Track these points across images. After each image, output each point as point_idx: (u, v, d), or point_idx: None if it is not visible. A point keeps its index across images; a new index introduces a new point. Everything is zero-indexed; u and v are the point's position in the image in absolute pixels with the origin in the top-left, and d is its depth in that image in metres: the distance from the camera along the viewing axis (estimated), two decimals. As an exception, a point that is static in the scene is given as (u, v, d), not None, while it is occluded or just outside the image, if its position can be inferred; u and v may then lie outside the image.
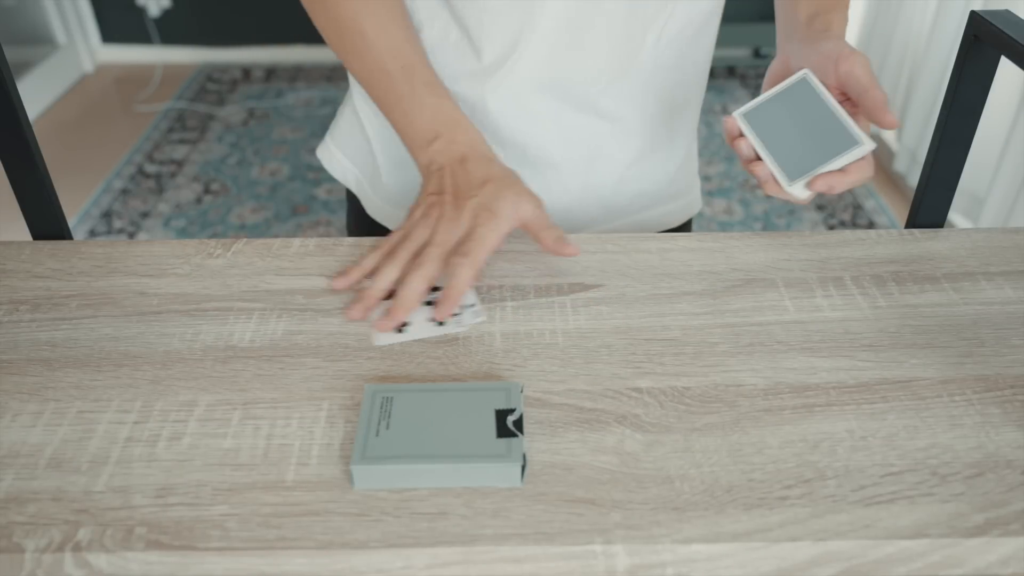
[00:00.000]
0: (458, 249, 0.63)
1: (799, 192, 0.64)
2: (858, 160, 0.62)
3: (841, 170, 0.62)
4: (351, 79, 0.84)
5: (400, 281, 0.63)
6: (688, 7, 0.74)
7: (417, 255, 0.64)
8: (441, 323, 0.62)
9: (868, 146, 0.61)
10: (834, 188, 0.62)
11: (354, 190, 0.89)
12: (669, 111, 0.81)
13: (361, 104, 0.84)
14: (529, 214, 0.66)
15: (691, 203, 0.91)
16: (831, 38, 0.67)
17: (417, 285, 0.62)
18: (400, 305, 0.61)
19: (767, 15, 3.22)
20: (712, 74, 3.32)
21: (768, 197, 2.54)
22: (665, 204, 0.87)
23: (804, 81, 0.65)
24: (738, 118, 0.67)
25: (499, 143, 0.78)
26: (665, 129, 0.82)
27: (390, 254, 0.65)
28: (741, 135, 0.67)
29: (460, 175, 0.67)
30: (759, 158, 0.66)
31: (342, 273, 0.66)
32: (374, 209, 0.87)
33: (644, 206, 0.86)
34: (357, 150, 0.86)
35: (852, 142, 0.61)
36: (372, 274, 0.65)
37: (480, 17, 0.72)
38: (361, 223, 0.90)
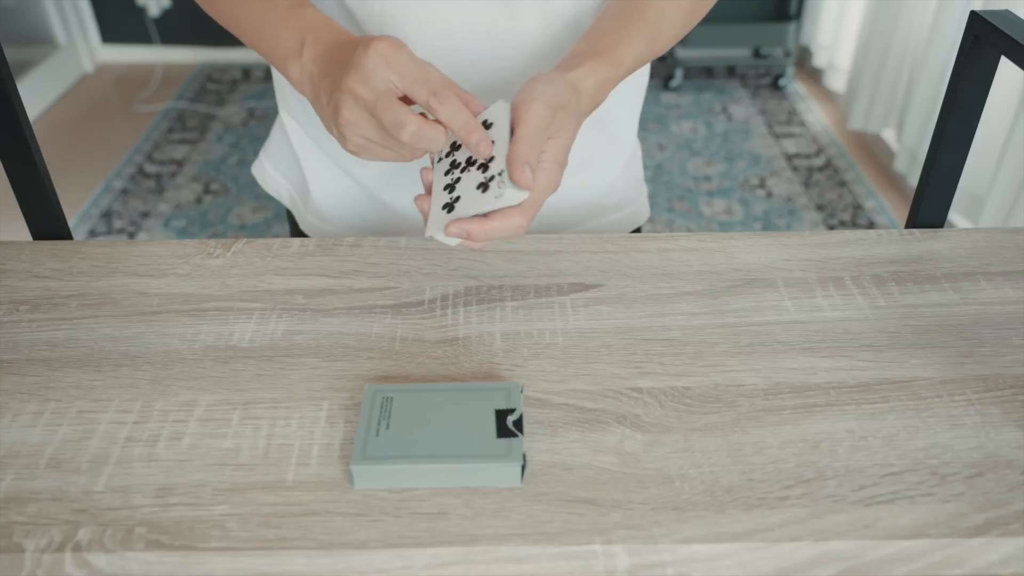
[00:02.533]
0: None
1: (440, 237, 0.57)
2: (506, 208, 0.55)
3: (483, 216, 0.55)
4: (278, 94, 0.83)
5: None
6: (599, 4, 0.72)
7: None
8: (486, 189, 0.56)
9: (505, 198, 0.54)
10: (472, 235, 0.55)
11: (287, 205, 0.89)
12: (604, 120, 0.76)
13: (287, 119, 0.83)
14: (436, 72, 0.58)
15: (637, 212, 0.89)
16: (551, 80, 0.59)
17: (430, 143, 0.56)
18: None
19: (767, 15, 3.22)
20: (712, 74, 3.33)
21: (768, 197, 2.54)
22: (607, 215, 0.85)
23: (495, 110, 0.59)
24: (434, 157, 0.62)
25: (427, 161, 0.77)
26: (601, 138, 0.80)
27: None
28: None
29: (336, 60, 0.59)
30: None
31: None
32: (307, 225, 0.86)
33: (583, 218, 0.84)
34: (288, 165, 0.86)
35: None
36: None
37: (381, 25, 0.69)
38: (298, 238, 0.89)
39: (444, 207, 0.57)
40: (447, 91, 0.56)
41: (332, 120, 0.58)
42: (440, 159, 0.61)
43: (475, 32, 0.70)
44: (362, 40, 0.57)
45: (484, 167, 0.57)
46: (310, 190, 0.83)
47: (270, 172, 0.88)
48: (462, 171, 0.58)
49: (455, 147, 0.60)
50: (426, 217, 0.58)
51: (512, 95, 0.73)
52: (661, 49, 0.69)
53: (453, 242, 0.57)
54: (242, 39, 0.67)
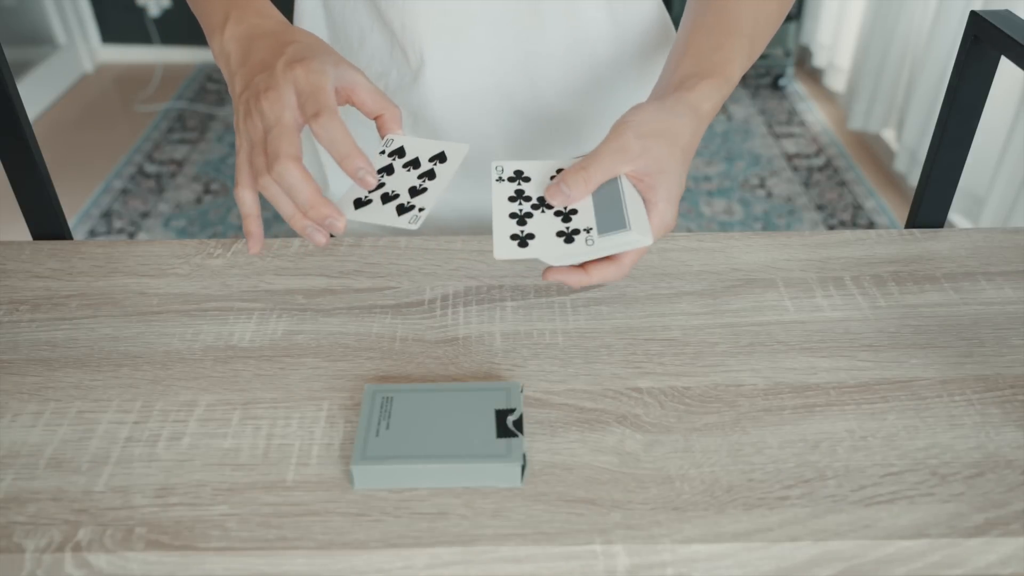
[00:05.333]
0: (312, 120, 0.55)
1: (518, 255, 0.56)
2: (610, 257, 0.55)
3: (581, 268, 0.56)
4: None
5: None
6: (626, 4, 0.72)
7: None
8: (570, 239, 0.54)
9: (634, 234, 0.53)
10: (568, 282, 0.56)
11: None
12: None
13: None
14: (361, 81, 0.58)
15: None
16: (658, 109, 0.57)
17: (284, 205, 0.55)
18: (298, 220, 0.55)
19: (767, 15, 3.22)
20: (712, 74, 3.33)
21: (768, 197, 2.54)
22: None
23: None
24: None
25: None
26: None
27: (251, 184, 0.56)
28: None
29: (255, 52, 0.57)
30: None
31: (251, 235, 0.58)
32: None
33: None
34: (307, 158, 0.85)
35: (620, 225, 0.53)
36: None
37: (402, 20, 0.70)
38: None
39: (514, 238, 0.55)
40: (332, 115, 0.54)
41: (237, 112, 0.57)
42: (500, 178, 0.59)
43: (498, 28, 0.70)
44: (285, 48, 0.56)
45: (565, 217, 0.56)
46: (329, 185, 0.84)
47: None
48: (532, 207, 0.57)
49: (520, 176, 0.59)
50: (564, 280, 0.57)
51: (536, 92, 0.73)
52: (759, 52, 0.66)
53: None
54: (192, 8, 0.65)
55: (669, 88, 0.59)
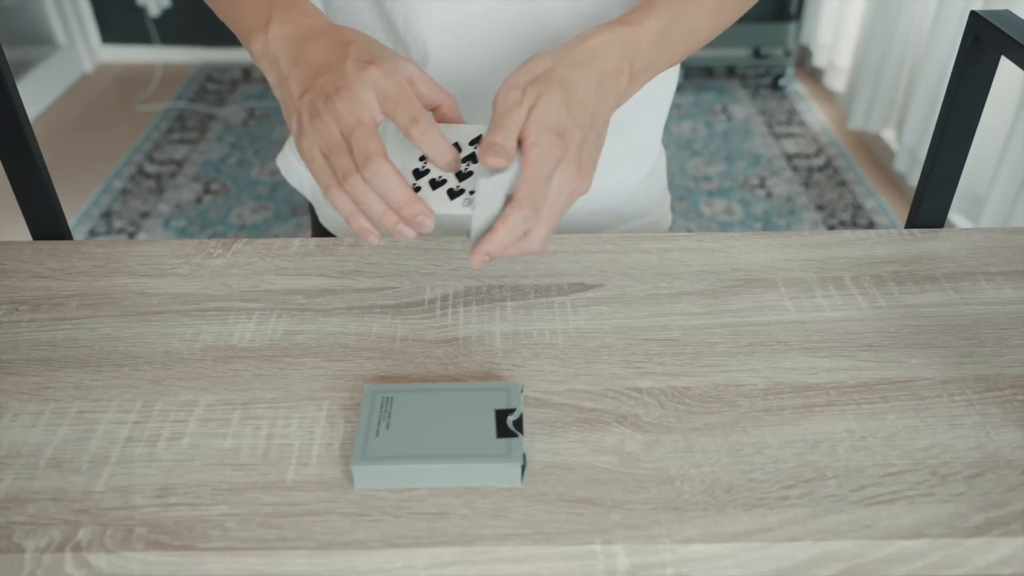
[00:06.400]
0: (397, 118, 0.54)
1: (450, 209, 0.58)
2: (507, 216, 0.55)
3: (490, 231, 0.55)
4: None
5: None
6: (633, 4, 0.71)
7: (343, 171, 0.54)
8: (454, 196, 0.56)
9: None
10: (492, 255, 0.56)
11: (309, 198, 0.88)
12: (627, 126, 0.77)
13: None
14: (415, 71, 0.57)
15: (658, 220, 0.87)
16: (553, 53, 0.57)
17: (374, 204, 0.54)
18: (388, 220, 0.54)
19: (767, 15, 3.22)
20: (712, 74, 3.33)
21: (768, 197, 2.54)
22: (626, 223, 0.84)
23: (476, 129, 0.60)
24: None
25: None
26: (624, 146, 0.79)
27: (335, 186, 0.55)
28: None
29: (312, 54, 0.56)
30: None
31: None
32: (326, 219, 0.86)
33: (601, 225, 0.82)
34: (302, 164, 0.84)
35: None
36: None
37: (406, 19, 0.70)
38: (319, 233, 0.89)
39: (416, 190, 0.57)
40: (429, 121, 0.54)
41: (300, 115, 0.56)
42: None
43: (501, 28, 0.70)
44: (346, 46, 0.55)
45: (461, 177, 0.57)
46: None
47: (293, 164, 0.87)
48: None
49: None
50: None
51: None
52: (723, 28, 0.66)
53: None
54: (214, 9, 0.64)
55: (622, 19, 0.59)
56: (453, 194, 0.57)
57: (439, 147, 0.55)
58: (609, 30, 0.58)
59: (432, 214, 0.54)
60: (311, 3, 0.60)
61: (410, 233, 0.55)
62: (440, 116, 0.59)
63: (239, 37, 0.61)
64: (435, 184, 0.57)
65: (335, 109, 0.53)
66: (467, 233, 0.81)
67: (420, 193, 0.57)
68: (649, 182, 0.85)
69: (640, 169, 0.83)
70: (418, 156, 0.59)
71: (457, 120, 0.59)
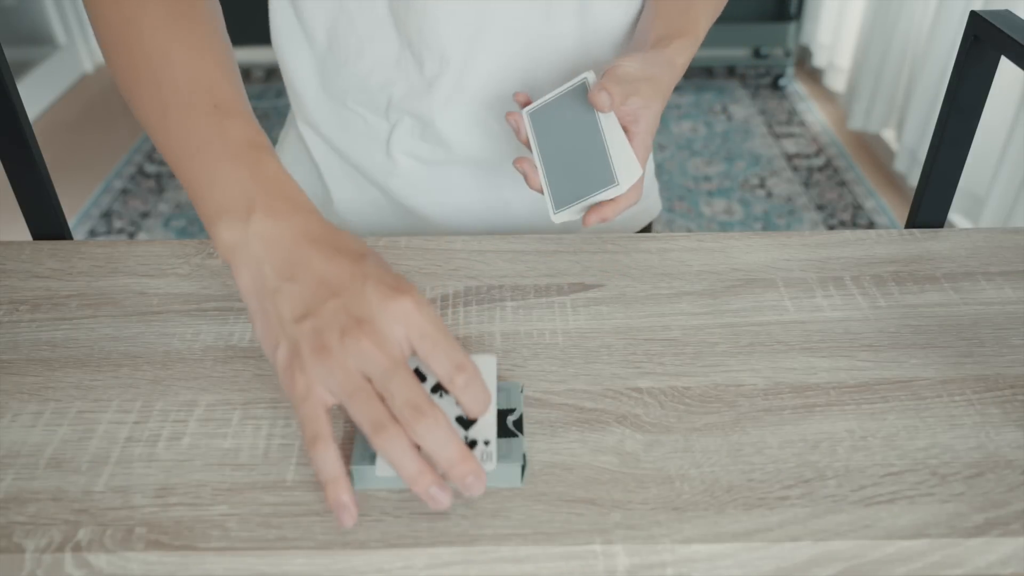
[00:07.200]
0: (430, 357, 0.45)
1: (566, 218, 0.63)
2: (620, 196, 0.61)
3: (612, 201, 0.61)
4: (293, 103, 0.80)
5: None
6: (636, 5, 0.73)
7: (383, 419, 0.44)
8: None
9: (623, 186, 0.57)
10: (607, 219, 0.61)
11: None
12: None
13: (306, 131, 0.80)
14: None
15: (649, 208, 0.89)
16: (656, 62, 0.65)
17: (410, 464, 0.44)
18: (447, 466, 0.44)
19: (767, 15, 3.22)
20: (712, 74, 3.33)
21: (768, 197, 2.54)
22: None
23: (584, 84, 0.63)
24: (525, 117, 0.65)
25: (451, 161, 0.77)
26: None
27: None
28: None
29: (314, 264, 0.46)
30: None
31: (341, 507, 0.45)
32: None
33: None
34: (306, 176, 0.83)
35: (609, 180, 0.57)
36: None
37: (420, 25, 0.69)
38: None
39: None
40: (473, 368, 0.45)
41: (296, 345, 0.45)
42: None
43: (511, 32, 0.70)
44: (361, 266, 0.46)
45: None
46: (332, 199, 0.82)
47: None
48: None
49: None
50: (527, 176, 0.64)
51: (543, 91, 0.73)
52: (719, 14, 0.74)
53: (577, 216, 0.63)
54: (141, 121, 0.54)
55: (645, 47, 0.67)
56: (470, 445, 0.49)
57: (479, 397, 0.46)
58: (689, 49, 0.68)
59: (484, 475, 0.45)
60: (296, 186, 0.50)
61: (446, 501, 0.45)
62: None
63: (197, 208, 0.49)
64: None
65: (359, 348, 0.44)
66: (468, 229, 0.81)
67: (422, 450, 0.46)
68: None
69: None
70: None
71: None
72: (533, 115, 0.65)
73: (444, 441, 0.44)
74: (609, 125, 0.62)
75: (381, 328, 0.44)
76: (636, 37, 0.70)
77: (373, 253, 0.48)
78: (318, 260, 0.46)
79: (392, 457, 0.44)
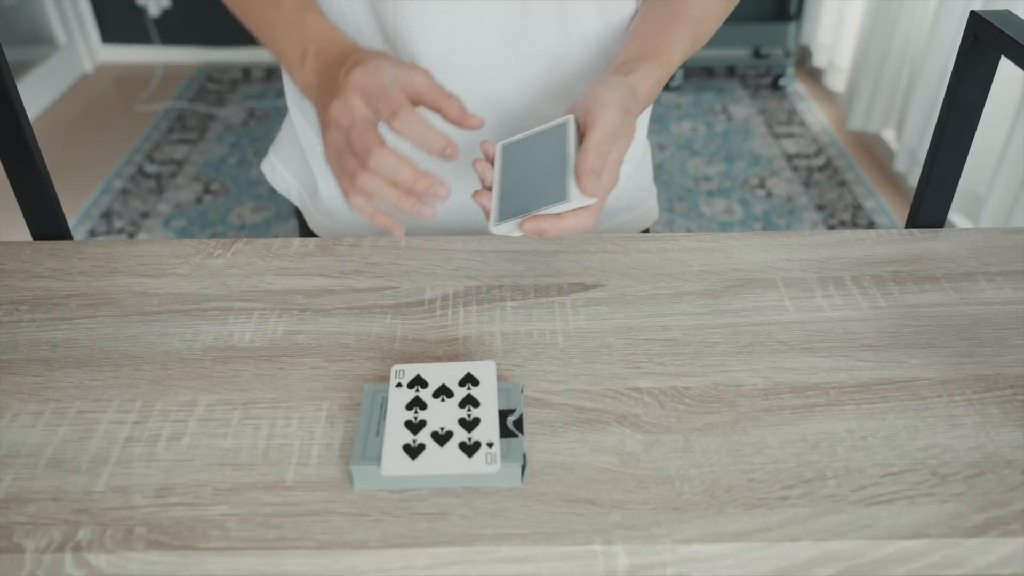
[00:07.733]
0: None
1: (504, 231, 0.59)
2: (576, 209, 0.58)
3: (556, 216, 0.58)
4: (288, 92, 0.83)
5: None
6: (616, 5, 0.72)
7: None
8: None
9: (573, 203, 0.57)
10: (545, 232, 0.58)
11: (296, 203, 0.88)
12: None
13: (297, 117, 0.83)
14: (420, 80, 0.58)
15: (645, 214, 0.89)
16: (616, 86, 0.62)
17: (387, 194, 0.56)
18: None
19: (767, 15, 3.22)
20: (712, 74, 3.33)
21: (768, 197, 2.54)
22: (616, 216, 0.85)
23: (563, 126, 0.62)
24: (498, 148, 0.64)
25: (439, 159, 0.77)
26: None
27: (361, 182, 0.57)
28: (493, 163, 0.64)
29: (330, 77, 0.60)
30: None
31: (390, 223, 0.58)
32: (315, 223, 0.86)
33: None
34: (298, 164, 0.85)
35: (560, 196, 0.57)
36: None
37: (396, 23, 0.69)
38: (307, 236, 0.89)
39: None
40: (409, 112, 0.56)
41: (323, 132, 0.60)
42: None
43: (488, 31, 0.70)
44: (348, 60, 0.59)
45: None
46: (319, 188, 0.83)
47: (279, 170, 0.88)
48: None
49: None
50: (487, 212, 0.61)
51: (523, 94, 0.73)
52: (702, 43, 0.71)
53: (516, 233, 0.59)
54: (255, 36, 0.69)
55: (611, 71, 0.65)
56: (468, 448, 0.50)
57: (423, 135, 0.56)
58: (657, 72, 0.65)
59: (446, 183, 0.56)
60: (339, 31, 0.63)
61: (429, 211, 0.56)
62: (452, 119, 0.59)
63: (283, 67, 0.65)
64: (440, 438, 0.51)
65: (333, 118, 0.57)
66: (467, 234, 0.81)
67: (425, 452, 0.50)
68: (637, 176, 0.86)
69: (628, 163, 0.84)
70: (407, 401, 0.53)
71: (463, 119, 0.58)
72: (506, 147, 0.64)
73: (396, 167, 0.55)
74: (573, 155, 0.60)
75: (344, 97, 0.57)
76: (615, 61, 0.68)
77: (369, 50, 0.60)
78: (332, 71, 0.59)
79: (371, 194, 0.56)
